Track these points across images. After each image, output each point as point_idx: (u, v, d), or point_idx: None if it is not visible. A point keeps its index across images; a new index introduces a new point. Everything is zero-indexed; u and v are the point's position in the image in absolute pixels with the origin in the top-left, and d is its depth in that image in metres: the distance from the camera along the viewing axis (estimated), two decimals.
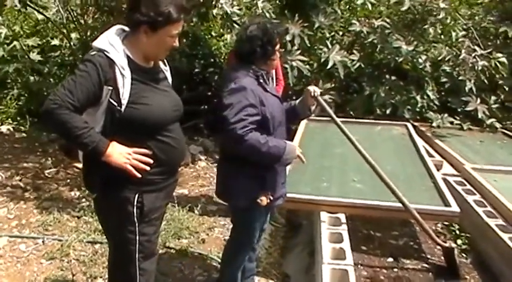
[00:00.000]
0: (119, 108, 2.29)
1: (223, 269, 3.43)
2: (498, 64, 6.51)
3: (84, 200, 4.99)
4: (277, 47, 2.99)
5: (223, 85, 2.95)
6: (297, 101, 3.27)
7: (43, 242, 4.19)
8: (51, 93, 2.25)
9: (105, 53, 2.30)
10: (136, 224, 2.48)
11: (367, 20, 6.82)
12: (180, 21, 2.41)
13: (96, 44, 2.35)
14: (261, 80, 2.97)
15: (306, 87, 3.26)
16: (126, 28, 2.44)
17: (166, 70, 2.61)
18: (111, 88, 2.28)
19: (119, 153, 2.32)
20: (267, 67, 3.04)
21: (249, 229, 3.15)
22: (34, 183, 5.43)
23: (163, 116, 2.45)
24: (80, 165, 2.59)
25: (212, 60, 8.41)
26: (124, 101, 2.29)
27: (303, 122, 5.45)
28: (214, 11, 5.63)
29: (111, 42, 2.33)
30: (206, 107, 7.75)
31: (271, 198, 3.00)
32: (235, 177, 3.00)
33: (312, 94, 3.16)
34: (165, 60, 2.62)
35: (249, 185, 2.96)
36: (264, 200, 2.95)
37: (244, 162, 2.90)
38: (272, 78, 4.39)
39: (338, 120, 3.39)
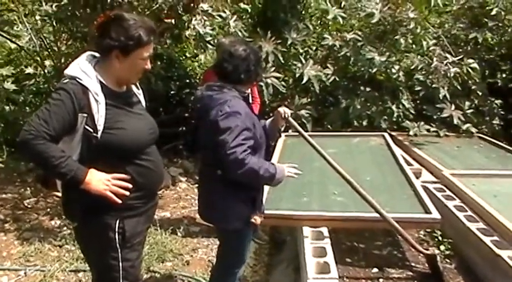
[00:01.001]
0: (95, 134, 2.29)
1: None
2: (470, 70, 6.61)
3: (65, 228, 4.94)
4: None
5: (207, 106, 2.92)
6: (267, 121, 3.29)
7: (25, 273, 4.13)
8: (25, 124, 2.23)
9: (78, 80, 2.29)
10: (119, 250, 2.47)
11: (339, 34, 6.90)
12: (151, 43, 2.42)
13: (68, 71, 2.34)
14: (249, 102, 3.00)
15: (281, 103, 3.30)
16: (97, 54, 2.44)
17: (139, 93, 2.62)
18: (86, 115, 2.27)
19: (98, 180, 2.32)
20: (248, 87, 3.07)
21: (239, 250, 3.15)
22: (14, 214, 5.37)
23: (140, 139, 2.45)
24: (60, 194, 2.56)
25: (187, 81, 8.42)
26: (100, 127, 2.29)
27: (281, 138, 5.47)
28: (187, 32, 5.65)
29: (83, 69, 2.33)
30: (184, 128, 7.74)
31: (263, 216, 3.03)
32: (226, 201, 2.98)
33: (283, 115, 3.19)
34: (138, 84, 2.62)
35: (242, 208, 2.97)
36: (257, 219, 2.98)
37: (235, 185, 2.91)
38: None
39: (310, 138, 3.43)
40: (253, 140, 2.82)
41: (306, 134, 3.44)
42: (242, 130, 2.76)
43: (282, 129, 3.38)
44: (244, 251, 3.17)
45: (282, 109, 3.23)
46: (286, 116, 3.21)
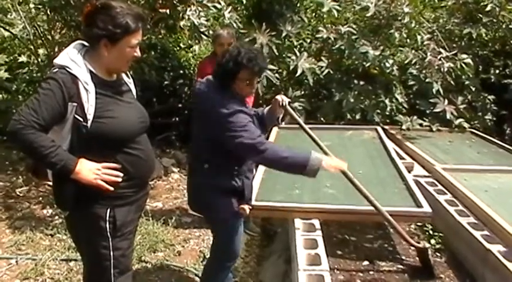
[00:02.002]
0: (84, 123, 2.28)
1: None
2: (464, 65, 6.62)
3: (57, 217, 4.94)
4: (244, 76, 2.96)
5: (202, 100, 2.99)
6: (265, 109, 3.29)
7: (16, 262, 4.14)
8: (15, 114, 2.24)
9: (67, 69, 2.29)
10: (110, 239, 2.47)
11: (333, 27, 6.86)
12: (139, 30, 2.41)
13: (58, 61, 2.34)
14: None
15: (275, 95, 3.29)
16: (86, 43, 2.44)
17: (129, 82, 2.62)
18: (75, 104, 2.27)
19: (88, 170, 2.32)
20: (240, 91, 3.02)
21: (230, 242, 3.16)
22: (5, 203, 5.36)
23: (130, 128, 2.45)
24: (51, 183, 2.56)
25: (181, 72, 8.39)
26: (90, 116, 2.29)
27: (274, 130, 5.46)
28: (182, 23, 5.63)
29: (72, 58, 2.32)
30: (177, 119, 7.73)
31: (251, 207, 3.03)
32: (214, 193, 3.01)
33: (281, 103, 3.19)
34: (128, 73, 2.62)
35: (229, 198, 2.98)
36: (246, 209, 3.00)
37: (222, 177, 2.93)
38: None
39: (307, 127, 3.42)
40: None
41: (302, 122, 3.43)
42: (246, 123, 2.87)
43: (281, 117, 3.35)
44: (235, 244, 3.17)
45: (279, 97, 3.22)
46: (284, 104, 3.19)
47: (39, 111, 2.21)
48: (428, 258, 3.77)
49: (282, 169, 3.01)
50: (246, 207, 3.02)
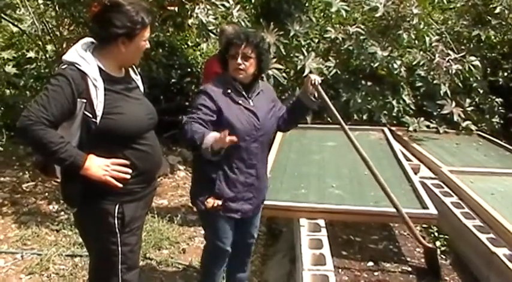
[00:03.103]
0: (94, 120, 2.29)
1: (201, 278, 3.45)
2: (472, 67, 6.61)
3: (62, 213, 4.95)
4: (231, 51, 2.94)
5: None
6: (300, 91, 3.29)
7: (22, 256, 4.15)
8: (24, 110, 2.24)
9: (76, 65, 2.30)
10: (118, 235, 2.48)
11: (342, 27, 6.85)
12: (150, 23, 2.46)
13: (66, 57, 2.35)
14: (229, 90, 2.94)
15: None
16: (94, 40, 2.45)
17: (137, 79, 2.63)
18: (84, 101, 2.28)
19: (97, 166, 2.32)
20: (230, 69, 2.98)
21: (211, 233, 3.16)
22: (12, 198, 5.38)
23: (139, 124, 2.46)
24: (59, 180, 2.57)
25: (189, 70, 8.41)
26: (99, 113, 2.29)
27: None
28: (190, 21, 5.62)
29: (81, 55, 2.33)
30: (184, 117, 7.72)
31: (219, 203, 2.95)
32: (194, 180, 3.15)
33: (312, 82, 3.12)
34: (136, 69, 2.64)
35: (202, 188, 3.00)
36: (209, 203, 2.93)
37: (200, 166, 3.00)
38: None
39: (335, 110, 3.41)
40: (211, 117, 2.86)
41: (331, 104, 3.38)
42: (198, 105, 2.88)
43: (317, 94, 3.20)
44: (218, 235, 3.10)
45: (312, 76, 3.15)
46: (316, 83, 3.13)
47: (49, 107, 2.22)
48: (436, 259, 3.77)
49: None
50: (211, 200, 2.94)
